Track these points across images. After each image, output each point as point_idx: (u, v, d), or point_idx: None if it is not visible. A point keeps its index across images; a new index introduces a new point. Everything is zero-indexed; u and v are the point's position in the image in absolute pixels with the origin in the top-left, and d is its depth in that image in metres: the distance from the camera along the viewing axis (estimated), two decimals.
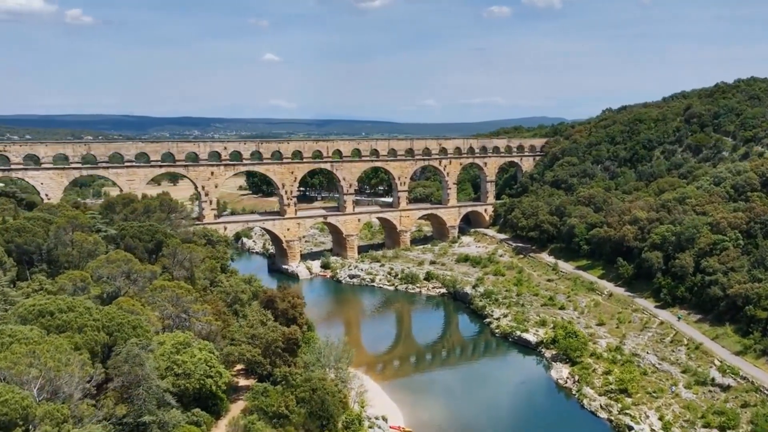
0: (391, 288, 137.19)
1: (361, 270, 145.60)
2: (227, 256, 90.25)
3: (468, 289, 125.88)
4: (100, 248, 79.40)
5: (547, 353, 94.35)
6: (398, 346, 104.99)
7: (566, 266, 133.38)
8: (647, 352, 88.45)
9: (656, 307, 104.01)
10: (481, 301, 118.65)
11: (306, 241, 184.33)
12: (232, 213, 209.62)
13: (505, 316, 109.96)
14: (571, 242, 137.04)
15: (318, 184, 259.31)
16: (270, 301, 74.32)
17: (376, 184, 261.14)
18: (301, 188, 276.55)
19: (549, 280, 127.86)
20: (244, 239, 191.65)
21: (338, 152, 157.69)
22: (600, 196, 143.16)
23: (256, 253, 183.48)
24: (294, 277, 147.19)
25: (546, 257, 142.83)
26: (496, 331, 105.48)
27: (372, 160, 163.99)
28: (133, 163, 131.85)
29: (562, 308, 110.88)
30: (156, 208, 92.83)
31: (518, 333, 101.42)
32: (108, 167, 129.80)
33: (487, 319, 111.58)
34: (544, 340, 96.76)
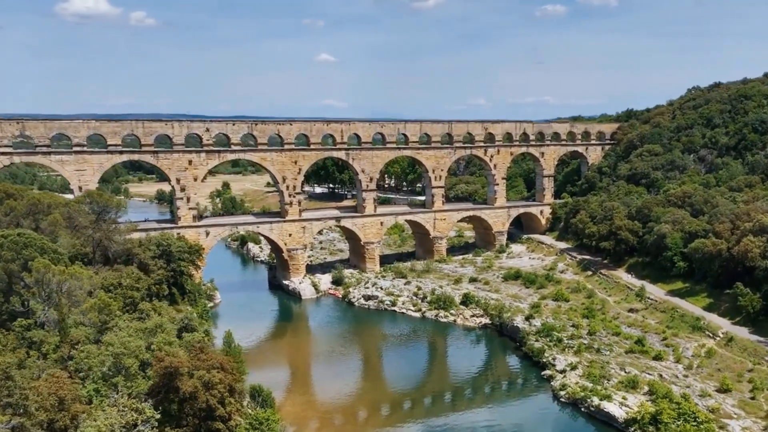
0: (417, 314, 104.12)
1: (380, 289, 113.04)
2: (143, 284, 58.85)
3: (519, 322, 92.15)
4: None
5: None
6: (413, 419, 71.36)
7: (654, 289, 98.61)
8: None
9: None
10: (537, 340, 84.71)
11: (322, 248, 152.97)
12: (244, 215, 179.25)
13: (573, 367, 75.68)
14: (660, 256, 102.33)
15: (348, 180, 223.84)
16: (169, 375, 42.70)
17: (413, 180, 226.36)
18: (331, 185, 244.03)
19: (631, 310, 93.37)
20: (250, 245, 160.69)
21: (356, 137, 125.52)
22: (699, 195, 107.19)
23: (262, 262, 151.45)
24: (296, 295, 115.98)
25: (624, 276, 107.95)
26: (561, 393, 71.23)
27: (399, 148, 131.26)
28: (84, 149, 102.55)
29: (657, 358, 76.20)
30: (48, 207, 62.32)
31: (595, 400, 67.08)
32: (49, 152, 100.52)
33: (547, 371, 77.55)
34: (639, 418, 62.20)
